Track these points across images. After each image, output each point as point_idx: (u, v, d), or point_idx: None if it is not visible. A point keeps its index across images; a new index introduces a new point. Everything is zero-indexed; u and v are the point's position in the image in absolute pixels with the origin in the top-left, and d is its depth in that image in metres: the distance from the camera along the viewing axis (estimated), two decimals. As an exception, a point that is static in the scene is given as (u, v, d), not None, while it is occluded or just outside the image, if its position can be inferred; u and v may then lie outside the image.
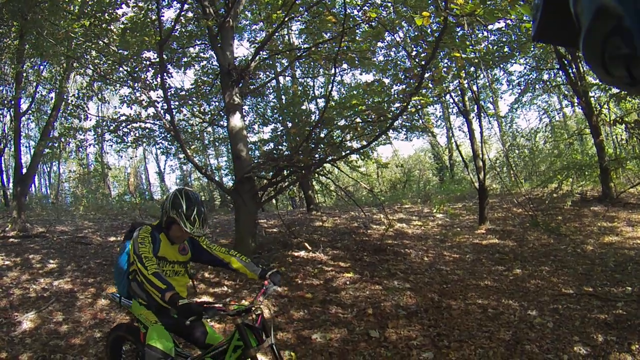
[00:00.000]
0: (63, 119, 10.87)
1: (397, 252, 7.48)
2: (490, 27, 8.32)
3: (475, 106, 10.59)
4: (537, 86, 14.86)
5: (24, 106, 10.90)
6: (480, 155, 9.63)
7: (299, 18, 8.47)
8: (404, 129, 10.69)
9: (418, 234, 9.08)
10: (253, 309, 2.66)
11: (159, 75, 7.69)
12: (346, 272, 6.42)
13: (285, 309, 5.24)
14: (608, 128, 13.53)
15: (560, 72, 11.98)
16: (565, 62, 10.72)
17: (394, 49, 10.08)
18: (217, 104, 10.98)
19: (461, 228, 9.61)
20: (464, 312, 4.97)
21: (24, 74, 10.94)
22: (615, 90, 9.53)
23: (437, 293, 5.57)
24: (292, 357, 4.11)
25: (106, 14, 7.92)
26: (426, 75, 6.22)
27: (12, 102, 10.31)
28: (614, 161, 10.81)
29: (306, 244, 7.61)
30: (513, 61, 12.68)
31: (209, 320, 3.53)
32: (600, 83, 9.48)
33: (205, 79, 10.26)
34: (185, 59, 9.56)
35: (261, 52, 8.07)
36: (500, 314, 4.87)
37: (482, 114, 11.02)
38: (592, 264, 6.54)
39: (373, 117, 7.03)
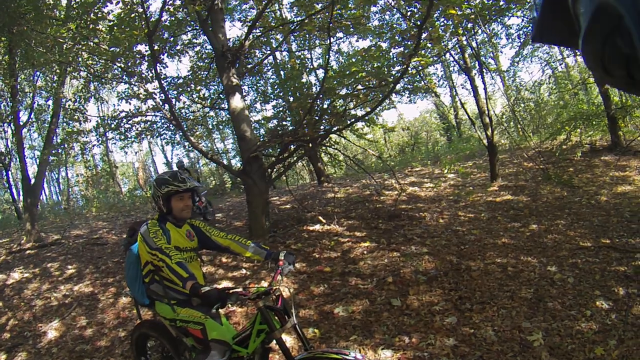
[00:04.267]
0: (64, 124, 10.81)
1: (411, 216, 7.45)
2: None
3: (477, 62, 10.34)
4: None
5: (24, 118, 10.78)
6: (486, 112, 9.47)
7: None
8: (407, 92, 10.53)
9: (431, 196, 9.01)
10: (272, 290, 2.64)
11: (153, 67, 7.60)
12: (362, 242, 6.41)
13: (305, 285, 5.27)
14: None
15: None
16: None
17: (388, 12, 9.84)
18: (216, 87, 10.89)
19: (474, 187, 9.51)
20: (483, 272, 4.96)
21: (19, 87, 10.82)
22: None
23: (455, 255, 5.56)
24: (316, 334, 4.13)
25: (92, 14, 7.77)
26: (423, 35, 6.06)
27: (11, 117, 10.25)
28: (620, 109, 10.61)
29: (320, 217, 7.62)
30: (510, 14, 12.26)
31: (229, 305, 3.55)
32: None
33: (201, 64, 10.14)
34: (177, 47, 9.41)
35: (254, 30, 7.91)
36: (520, 272, 4.85)
37: (484, 69, 10.77)
38: (607, 215, 6.47)
39: (374, 82, 6.90)
